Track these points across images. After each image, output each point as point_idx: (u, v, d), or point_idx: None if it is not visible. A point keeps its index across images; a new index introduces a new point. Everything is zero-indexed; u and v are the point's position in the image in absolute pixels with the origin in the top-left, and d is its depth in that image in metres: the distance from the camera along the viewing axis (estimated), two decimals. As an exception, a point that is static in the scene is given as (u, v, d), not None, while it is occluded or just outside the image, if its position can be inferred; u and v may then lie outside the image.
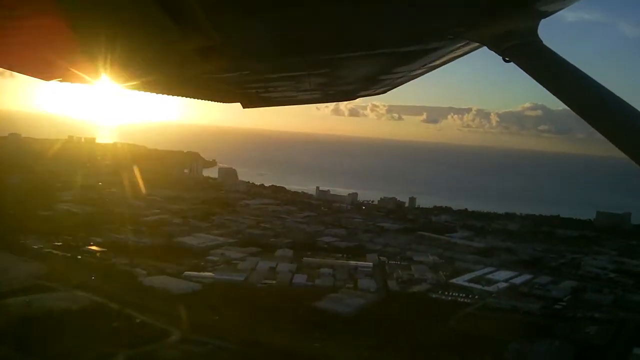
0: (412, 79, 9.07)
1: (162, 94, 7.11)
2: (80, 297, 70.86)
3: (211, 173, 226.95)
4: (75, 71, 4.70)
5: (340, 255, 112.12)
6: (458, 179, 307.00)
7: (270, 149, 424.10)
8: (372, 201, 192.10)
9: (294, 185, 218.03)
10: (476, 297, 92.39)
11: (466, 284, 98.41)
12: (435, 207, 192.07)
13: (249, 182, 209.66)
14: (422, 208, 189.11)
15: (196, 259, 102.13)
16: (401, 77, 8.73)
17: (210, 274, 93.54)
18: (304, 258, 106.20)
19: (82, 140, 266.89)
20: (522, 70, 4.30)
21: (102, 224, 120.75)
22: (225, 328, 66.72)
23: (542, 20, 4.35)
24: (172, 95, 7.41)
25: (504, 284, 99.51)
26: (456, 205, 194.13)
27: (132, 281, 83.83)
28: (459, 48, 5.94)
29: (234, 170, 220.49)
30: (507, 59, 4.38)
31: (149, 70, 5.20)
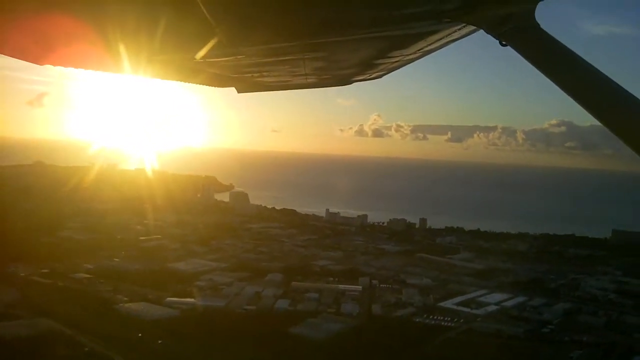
0: (408, 63, 8.93)
1: (157, 78, 7.23)
2: (42, 324, 71.12)
3: (226, 197, 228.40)
4: (74, 55, 4.95)
5: (332, 279, 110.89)
6: (478, 199, 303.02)
7: (291, 172, 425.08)
8: (382, 223, 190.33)
9: (306, 208, 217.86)
10: (462, 320, 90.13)
11: (454, 307, 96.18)
12: (446, 227, 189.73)
13: (260, 205, 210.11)
14: (432, 229, 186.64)
15: (184, 284, 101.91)
16: (397, 61, 8.59)
17: (191, 299, 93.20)
18: (293, 282, 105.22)
19: (104, 167, 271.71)
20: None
21: (99, 250, 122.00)
22: (180, 355, 66.13)
23: (540, 3, 4.26)
24: (167, 79, 7.49)
25: (494, 307, 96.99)
26: (469, 225, 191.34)
27: (107, 308, 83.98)
28: (455, 31, 5.81)
29: (246, 194, 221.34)
30: (503, 42, 4.34)
31: (144, 55, 5.29)
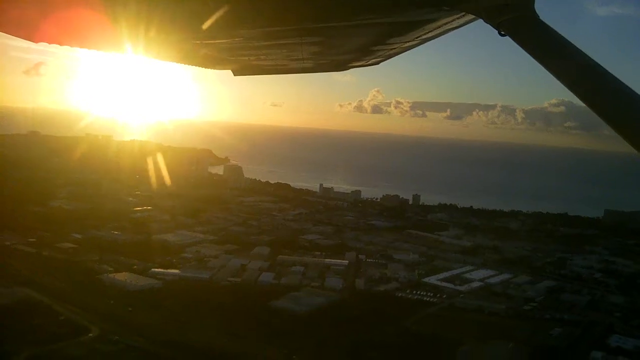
0: (405, 51, 8.91)
1: (154, 58, 7.30)
2: (18, 293, 71.29)
3: (220, 170, 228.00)
4: (70, 34, 4.98)
5: (319, 253, 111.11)
6: (474, 177, 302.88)
7: (289, 146, 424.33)
8: (376, 198, 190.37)
9: (301, 182, 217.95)
10: (444, 296, 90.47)
11: (438, 283, 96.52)
12: (439, 204, 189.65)
13: (255, 179, 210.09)
14: (425, 206, 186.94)
15: (170, 255, 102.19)
16: (394, 48, 8.55)
17: (176, 271, 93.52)
18: (279, 256, 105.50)
19: (99, 137, 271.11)
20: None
21: (88, 220, 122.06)
22: (155, 327, 66.45)
23: None
24: (164, 60, 7.57)
25: (478, 283, 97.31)
26: (464, 203, 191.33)
27: (89, 278, 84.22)
28: (453, 20, 5.79)
29: (240, 167, 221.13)
30: (502, 32, 4.32)
31: (142, 35, 5.26)
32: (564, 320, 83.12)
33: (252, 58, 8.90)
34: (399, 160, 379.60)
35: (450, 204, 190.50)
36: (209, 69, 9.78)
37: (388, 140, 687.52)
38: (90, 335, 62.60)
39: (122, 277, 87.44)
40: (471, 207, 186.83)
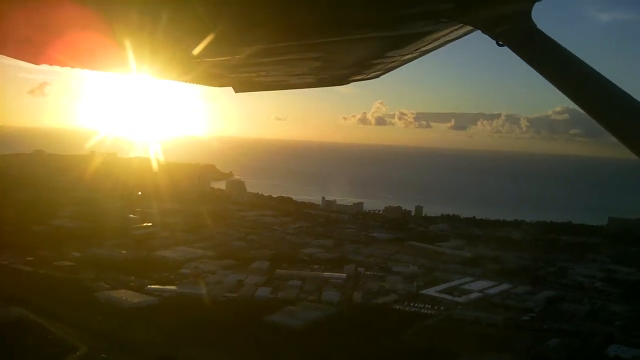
0: (405, 63, 8.95)
1: (154, 77, 7.37)
2: (13, 313, 71.33)
3: (224, 185, 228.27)
4: (70, 55, 5.00)
5: (318, 266, 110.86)
6: (478, 187, 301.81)
7: (293, 160, 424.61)
8: (378, 210, 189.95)
9: (304, 196, 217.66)
10: (442, 308, 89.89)
11: (437, 294, 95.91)
12: (442, 215, 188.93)
13: (257, 193, 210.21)
14: (427, 217, 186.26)
15: (168, 272, 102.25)
16: (394, 61, 8.63)
17: (172, 287, 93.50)
18: (277, 270, 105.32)
19: (104, 155, 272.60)
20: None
21: (89, 238, 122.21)
22: (146, 344, 66.28)
23: (537, 3, 4.27)
24: (164, 78, 7.58)
25: (477, 295, 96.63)
26: (467, 213, 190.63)
27: (85, 296, 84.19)
28: (452, 32, 5.83)
29: (242, 182, 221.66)
30: (500, 43, 4.34)
31: (141, 54, 5.32)
32: (562, 331, 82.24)
33: (253, 74, 8.92)
34: (402, 171, 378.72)
35: (453, 215, 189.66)
36: (210, 87, 9.82)
37: (392, 152, 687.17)
38: (77, 354, 62.53)
39: (118, 294, 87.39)
40: (474, 217, 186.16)
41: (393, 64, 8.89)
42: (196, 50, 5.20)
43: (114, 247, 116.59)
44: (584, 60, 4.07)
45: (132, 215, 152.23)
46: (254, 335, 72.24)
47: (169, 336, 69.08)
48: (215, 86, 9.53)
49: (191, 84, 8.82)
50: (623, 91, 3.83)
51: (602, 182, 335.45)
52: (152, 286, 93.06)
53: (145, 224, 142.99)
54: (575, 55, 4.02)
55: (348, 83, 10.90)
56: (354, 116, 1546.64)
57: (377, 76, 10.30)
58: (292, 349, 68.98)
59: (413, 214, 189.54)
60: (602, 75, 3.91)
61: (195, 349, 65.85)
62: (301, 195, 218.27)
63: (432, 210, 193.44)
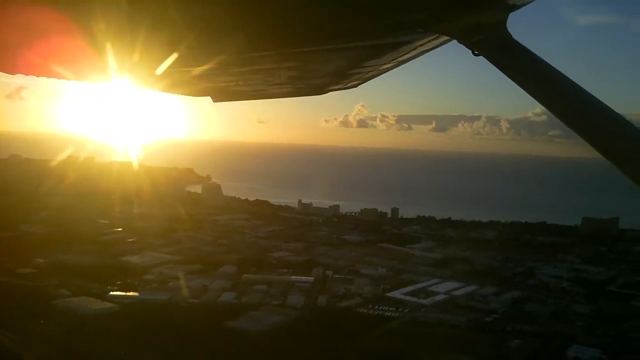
0: (383, 73, 9.07)
1: (132, 87, 7.28)
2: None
3: (199, 189, 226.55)
4: (45, 64, 4.95)
5: (287, 270, 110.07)
6: (456, 188, 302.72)
7: (274, 163, 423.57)
8: (354, 213, 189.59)
9: (281, 199, 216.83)
10: (406, 310, 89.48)
11: (402, 297, 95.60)
12: (417, 217, 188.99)
13: (234, 197, 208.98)
14: (403, 219, 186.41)
15: (132, 277, 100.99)
16: (372, 70, 8.67)
17: (134, 293, 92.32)
18: (244, 275, 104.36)
19: (81, 160, 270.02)
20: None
21: (55, 244, 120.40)
22: (97, 351, 65.15)
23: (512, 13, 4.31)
24: (141, 88, 7.56)
25: (443, 296, 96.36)
26: (444, 214, 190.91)
27: (43, 303, 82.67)
28: (429, 42, 5.91)
29: (218, 185, 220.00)
30: (476, 52, 4.37)
31: (118, 64, 5.26)
32: (525, 332, 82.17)
33: (231, 84, 8.83)
34: (383, 173, 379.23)
35: (429, 216, 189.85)
36: (188, 96, 9.72)
37: (373, 154, 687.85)
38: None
39: (78, 301, 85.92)
40: (449, 218, 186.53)
41: (371, 74, 8.95)
42: (173, 60, 5.19)
43: (80, 253, 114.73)
44: (563, 62, 4.12)
45: (103, 221, 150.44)
46: (213, 341, 71.21)
47: (122, 344, 67.88)
48: (193, 95, 9.47)
49: (169, 94, 8.83)
50: (593, 96, 3.90)
51: (580, 183, 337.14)
52: (114, 293, 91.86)
53: (115, 229, 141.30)
54: (548, 64, 4.08)
55: (326, 92, 10.98)
56: (335, 119, 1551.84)
57: (355, 86, 10.43)
58: (246, 354, 68.05)
59: (389, 216, 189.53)
60: (573, 82, 3.99)
61: (145, 357, 64.79)
62: (279, 198, 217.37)
63: (409, 212, 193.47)
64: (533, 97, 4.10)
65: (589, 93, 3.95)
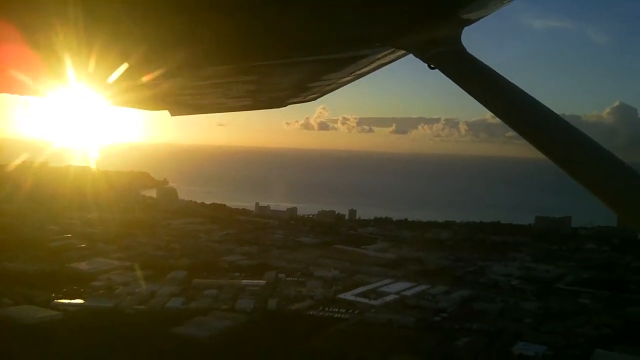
0: (342, 86, 9.08)
1: (88, 100, 7.09)
2: None
3: (155, 193, 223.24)
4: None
5: (239, 274, 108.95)
6: (414, 189, 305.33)
7: (233, 166, 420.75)
8: (312, 215, 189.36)
9: (239, 202, 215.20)
10: (356, 312, 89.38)
11: (353, 298, 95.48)
12: (375, 218, 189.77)
13: (190, 200, 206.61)
14: (360, 220, 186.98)
15: (79, 284, 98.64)
16: (331, 83, 8.72)
17: (80, 301, 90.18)
18: (194, 280, 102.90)
19: (35, 165, 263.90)
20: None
21: (1, 252, 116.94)
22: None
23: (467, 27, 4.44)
24: (97, 101, 7.28)
25: (393, 297, 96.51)
26: (401, 215, 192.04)
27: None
28: (386, 55, 5.98)
29: (174, 189, 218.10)
30: (432, 66, 4.47)
31: (72, 77, 5.07)
32: (472, 330, 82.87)
33: (188, 97, 8.72)
34: (342, 175, 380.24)
35: (386, 217, 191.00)
36: (145, 110, 9.50)
37: (334, 157, 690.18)
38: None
39: (19, 310, 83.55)
40: (406, 219, 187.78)
41: (329, 87, 9.06)
42: (128, 74, 5.05)
43: (26, 260, 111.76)
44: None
45: (52, 227, 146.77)
46: (155, 348, 69.87)
47: (60, 353, 66.16)
48: (150, 110, 9.37)
49: (125, 108, 8.68)
50: (553, 112, 3.95)
51: (535, 183, 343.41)
52: (59, 300, 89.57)
53: (65, 235, 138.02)
54: (501, 76, 4.13)
55: (286, 105, 11.13)
56: (297, 121, 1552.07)
57: (315, 99, 10.53)
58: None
59: (347, 217, 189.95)
60: (531, 96, 4.03)
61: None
62: (237, 201, 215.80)
63: (367, 213, 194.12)
64: (487, 108, 4.22)
65: (540, 103, 4.05)
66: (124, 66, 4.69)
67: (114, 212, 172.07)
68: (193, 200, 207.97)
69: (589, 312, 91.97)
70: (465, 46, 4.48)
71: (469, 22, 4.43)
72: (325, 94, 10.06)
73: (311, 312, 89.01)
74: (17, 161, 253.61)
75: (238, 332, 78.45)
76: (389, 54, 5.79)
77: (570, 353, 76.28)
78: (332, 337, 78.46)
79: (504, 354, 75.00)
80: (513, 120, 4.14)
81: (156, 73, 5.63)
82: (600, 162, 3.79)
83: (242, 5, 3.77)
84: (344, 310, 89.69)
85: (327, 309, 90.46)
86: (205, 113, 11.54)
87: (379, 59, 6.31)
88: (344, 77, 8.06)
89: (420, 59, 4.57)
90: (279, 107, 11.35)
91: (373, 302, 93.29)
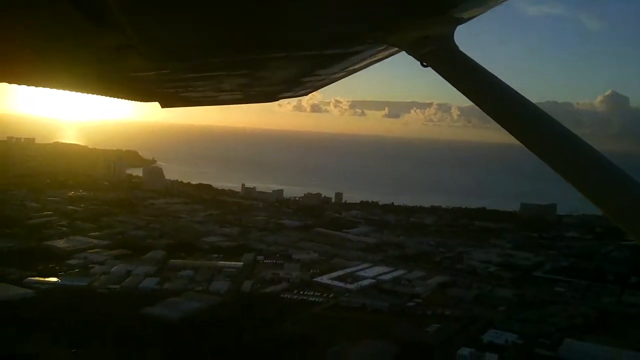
0: (334, 82, 9.17)
1: (78, 92, 7.05)
2: None
3: (141, 172, 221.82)
4: None
5: (217, 255, 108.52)
6: (405, 173, 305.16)
7: (224, 146, 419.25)
8: (298, 197, 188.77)
9: (227, 183, 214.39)
10: (330, 295, 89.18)
11: (329, 282, 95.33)
12: (361, 202, 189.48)
13: (176, 180, 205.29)
14: (346, 203, 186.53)
15: (55, 263, 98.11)
16: (323, 79, 8.74)
17: (54, 279, 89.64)
18: (171, 260, 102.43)
19: (21, 140, 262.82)
20: None
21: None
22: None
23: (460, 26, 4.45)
24: (88, 93, 7.22)
25: (369, 281, 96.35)
26: (388, 199, 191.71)
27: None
28: (378, 52, 6.04)
29: (160, 168, 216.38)
30: (424, 64, 4.50)
31: (63, 68, 5.23)
32: (445, 316, 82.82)
33: (180, 90, 8.59)
34: (333, 158, 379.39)
35: (372, 201, 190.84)
36: (136, 102, 9.42)
37: (325, 139, 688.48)
38: None
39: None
40: (392, 203, 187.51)
41: (321, 82, 9.07)
42: (119, 65, 5.12)
43: (3, 237, 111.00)
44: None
45: (33, 204, 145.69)
46: (124, 328, 69.38)
47: (26, 332, 65.72)
48: (140, 101, 9.24)
49: (115, 99, 8.46)
50: (543, 111, 3.97)
51: (526, 169, 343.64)
52: (33, 278, 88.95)
53: (45, 212, 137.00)
54: (493, 75, 4.16)
55: (277, 100, 11.04)
56: (289, 103, 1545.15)
57: (306, 94, 10.58)
58: (156, 341, 66.59)
59: (333, 200, 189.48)
60: (522, 95, 4.07)
61: (46, 345, 62.81)
62: (224, 182, 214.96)
63: (355, 197, 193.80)
64: (479, 107, 4.20)
65: (536, 105, 4.04)
66: (115, 59, 4.73)
67: (98, 190, 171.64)
68: (180, 180, 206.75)
69: (564, 301, 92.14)
70: (458, 44, 4.52)
71: (462, 20, 4.47)
72: (317, 89, 10.20)
73: (285, 295, 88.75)
74: (2, 137, 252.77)
75: (208, 314, 78.06)
76: (382, 50, 5.86)
77: (540, 342, 76.30)
78: (302, 321, 78.15)
79: (474, 341, 74.85)
80: (504, 120, 4.10)
81: (146, 65, 5.57)
82: (589, 163, 3.77)
83: None
84: (318, 294, 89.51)
85: (302, 292, 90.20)
86: (196, 106, 11.42)
87: (371, 55, 6.36)
88: (336, 73, 8.09)
89: (413, 56, 4.57)
90: (270, 102, 11.18)
91: (348, 286, 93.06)
